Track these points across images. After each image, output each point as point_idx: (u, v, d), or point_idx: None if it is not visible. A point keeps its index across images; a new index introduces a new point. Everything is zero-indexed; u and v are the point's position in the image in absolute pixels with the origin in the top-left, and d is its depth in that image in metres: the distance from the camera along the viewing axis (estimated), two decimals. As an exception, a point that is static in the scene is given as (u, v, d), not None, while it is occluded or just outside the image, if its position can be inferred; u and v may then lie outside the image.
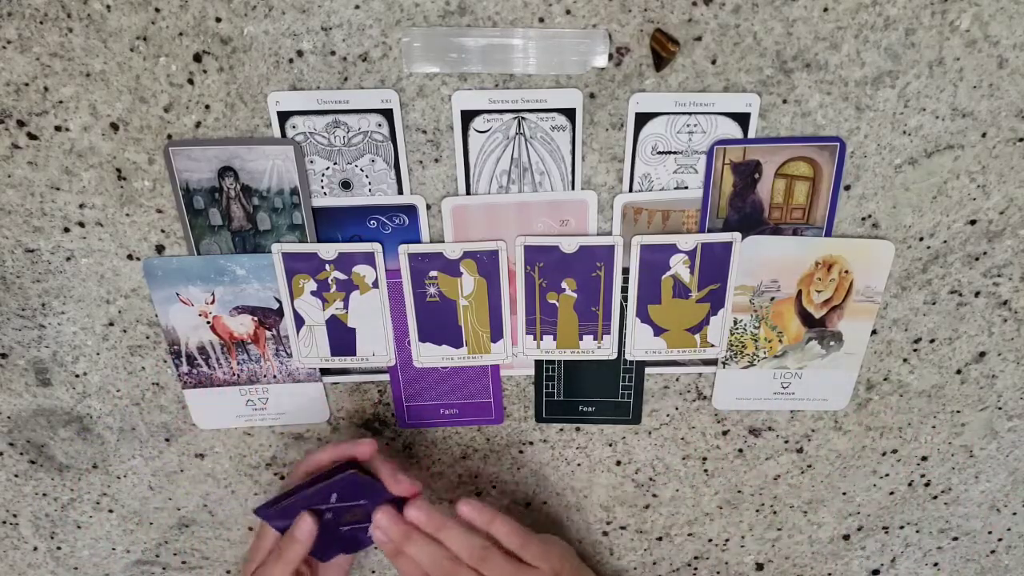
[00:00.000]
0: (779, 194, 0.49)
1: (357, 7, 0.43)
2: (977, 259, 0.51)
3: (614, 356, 0.54)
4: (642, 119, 0.46)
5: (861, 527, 0.65)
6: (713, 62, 0.44)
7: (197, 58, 0.44)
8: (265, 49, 0.44)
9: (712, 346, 0.54)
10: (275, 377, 0.55)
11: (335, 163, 0.47)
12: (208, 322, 0.52)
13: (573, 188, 0.48)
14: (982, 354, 0.56)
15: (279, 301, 0.52)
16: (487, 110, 0.46)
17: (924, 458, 0.61)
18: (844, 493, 0.62)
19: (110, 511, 0.62)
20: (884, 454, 0.60)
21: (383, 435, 0.59)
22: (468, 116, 0.46)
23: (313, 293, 0.51)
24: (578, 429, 0.59)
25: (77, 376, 0.55)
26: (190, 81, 0.44)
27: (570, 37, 0.43)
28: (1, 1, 0.42)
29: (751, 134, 0.47)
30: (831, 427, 0.59)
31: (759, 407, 0.57)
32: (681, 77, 0.45)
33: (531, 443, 0.59)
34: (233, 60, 0.44)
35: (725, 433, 0.59)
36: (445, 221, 0.49)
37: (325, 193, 0.48)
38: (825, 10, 0.43)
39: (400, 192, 0.48)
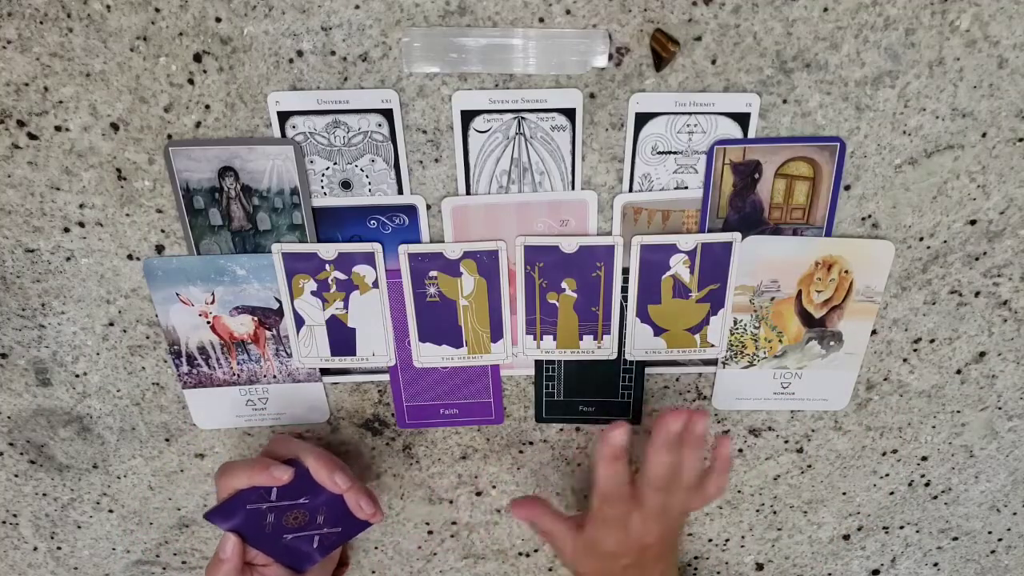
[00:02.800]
0: (779, 194, 0.49)
1: (357, 7, 0.43)
2: (977, 259, 0.51)
3: (614, 356, 0.54)
4: (642, 119, 0.46)
5: (861, 527, 0.65)
6: (713, 62, 0.44)
7: (197, 58, 0.44)
8: (265, 49, 0.44)
9: (712, 346, 0.54)
10: (275, 377, 0.55)
11: (335, 163, 0.47)
12: (208, 322, 0.52)
13: (573, 188, 0.48)
14: (982, 354, 0.56)
15: (279, 301, 0.52)
16: (487, 110, 0.46)
17: (924, 458, 0.61)
18: (844, 493, 0.62)
19: (110, 511, 0.62)
20: (884, 454, 0.60)
21: (383, 435, 0.59)
22: (468, 116, 0.46)
23: (313, 293, 0.51)
24: (578, 429, 0.59)
25: (77, 376, 0.55)
26: (190, 81, 0.44)
27: (570, 37, 0.43)
28: (1, 1, 0.42)
29: (751, 134, 0.47)
30: (831, 427, 0.59)
31: (759, 407, 0.57)
32: (681, 77, 0.45)
33: (531, 443, 0.59)
34: (233, 60, 0.44)
35: (725, 433, 0.59)
36: (445, 221, 0.49)
37: (325, 193, 0.48)
38: (825, 10, 0.43)
39: (400, 192, 0.48)
